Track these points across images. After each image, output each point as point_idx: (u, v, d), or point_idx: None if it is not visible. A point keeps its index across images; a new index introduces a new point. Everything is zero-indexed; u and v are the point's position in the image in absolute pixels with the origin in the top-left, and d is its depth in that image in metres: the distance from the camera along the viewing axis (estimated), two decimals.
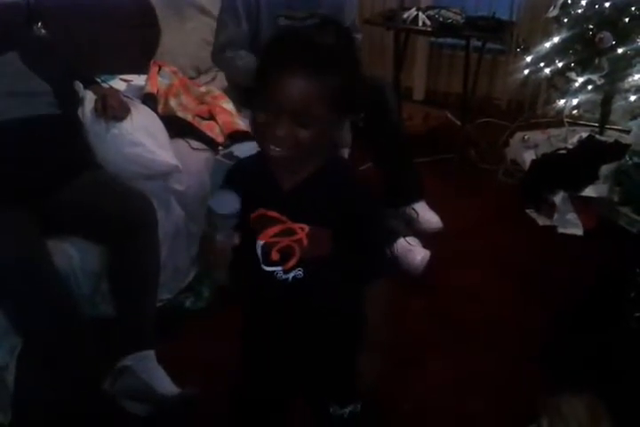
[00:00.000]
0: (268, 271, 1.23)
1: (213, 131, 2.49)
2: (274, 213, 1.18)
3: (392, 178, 2.78)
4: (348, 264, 1.23)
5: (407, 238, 2.58)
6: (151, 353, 1.88)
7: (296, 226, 1.17)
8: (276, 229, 1.19)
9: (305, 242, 1.18)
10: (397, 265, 2.44)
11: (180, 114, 2.47)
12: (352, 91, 1.12)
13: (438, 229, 2.80)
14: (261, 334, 1.34)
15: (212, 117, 2.58)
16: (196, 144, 2.40)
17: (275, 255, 1.20)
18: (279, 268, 1.21)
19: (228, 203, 1.20)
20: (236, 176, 1.29)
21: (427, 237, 2.68)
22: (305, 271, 1.21)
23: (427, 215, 2.82)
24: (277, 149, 1.11)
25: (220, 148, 2.43)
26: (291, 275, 1.22)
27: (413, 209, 2.83)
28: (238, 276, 1.31)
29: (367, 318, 1.28)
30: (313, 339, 1.30)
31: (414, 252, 2.53)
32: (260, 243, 1.21)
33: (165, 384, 1.83)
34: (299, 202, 1.19)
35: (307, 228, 1.17)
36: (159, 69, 2.60)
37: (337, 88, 1.08)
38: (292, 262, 1.20)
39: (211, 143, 2.44)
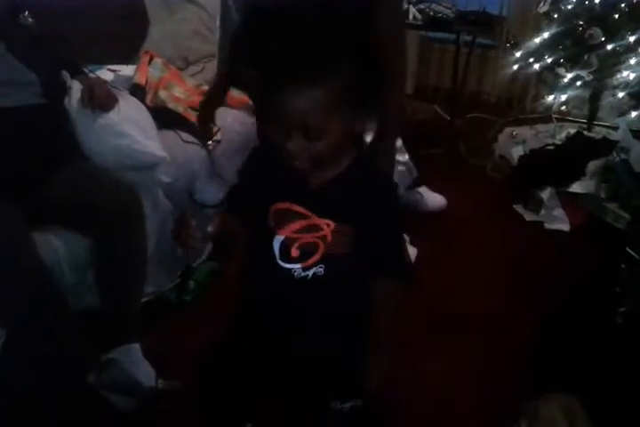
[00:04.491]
0: (285, 268, 1.20)
1: None
2: (300, 208, 1.17)
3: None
4: (365, 263, 1.23)
5: None
6: (137, 346, 1.87)
7: (322, 222, 1.16)
8: (298, 224, 1.17)
9: (329, 238, 1.17)
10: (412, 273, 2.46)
11: (171, 105, 2.45)
12: (360, 87, 1.09)
13: (443, 207, 3.01)
14: (264, 330, 1.30)
15: None
16: (186, 136, 2.38)
17: (295, 252, 1.19)
18: (298, 265, 1.19)
19: (213, 194, 1.19)
20: (254, 167, 1.27)
21: (421, 228, 2.69)
22: (326, 268, 1.20)
23: (431, 196, 3.02)
24: (296, 162, 1.10)
25: (210, 142, 2.41)
26: (311, 272, 1.20)
27: (418, 192, 2.96)
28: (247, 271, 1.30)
29: (376, 319, 1.27)
30: (320, 333, 1.27)
31: None
32: (280, 238, 1.19)
33: (151, 377, 1.83)
34: (326, 199, 1.17)
35: (332, 224, 1.16)
36: (150, 60, 2.58)
37: (342, 92, 1.06)
38: (314, 259, 1.18)
39: (201, 136, 2.42)
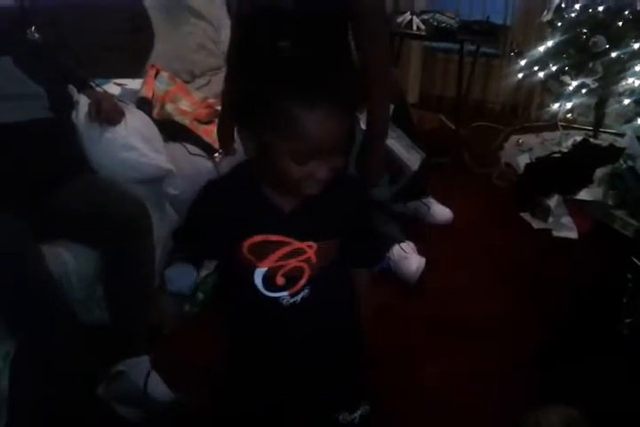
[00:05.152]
0: (272, 297, 1.16)
1: (211, 135, 2.49)
2: (278, 237, 1.12)
3: None
4: (344, 268, 1.22)
5: (402, 245, 2.57)
6: (146, 358, 1.87)
7: (303, 245, 1.13)
8: (280, 252, 1.13)
9: (314, 259, 1.14)
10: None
11: (178, 118, 2.47)
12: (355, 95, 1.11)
13: (450, 220, 2.95)
14: (259, 351, 1.27)
15: (211, 121, 2.58)
16: (193, 149, 2.40)
17: (280, 280, 1.14)
18: (285, 293, 1.16)
19: (185, 278, 1.17)
20: (213, 202, 1.18)
21: (429, 236, 2.69)
22: (312, 289, 1.17)
23: (438, 208, 2.98)
24: (314, 188, 1.06)
25: (217, 154, 2.42)
26: (299, 297, 1.16)
27: (424, 203, 2.94)
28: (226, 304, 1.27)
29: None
30: (319, 350, 1.23)
31: (410, 260, 2.52)
32: (262, 271, 1.14)
33: (160, 390, 1.83)
34: (303, 221, 1.13)
35: (315, 245, 1.13)
36: (156, 74, 2.60)
37: (350, 106, 1.06)
38: (301, 283, 1.15)
39: (208, 148, 2.43)
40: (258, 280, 1.15)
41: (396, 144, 2.54)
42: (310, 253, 1.13)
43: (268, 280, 1.15)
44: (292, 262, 1.13)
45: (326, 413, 1.32)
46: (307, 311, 1.18)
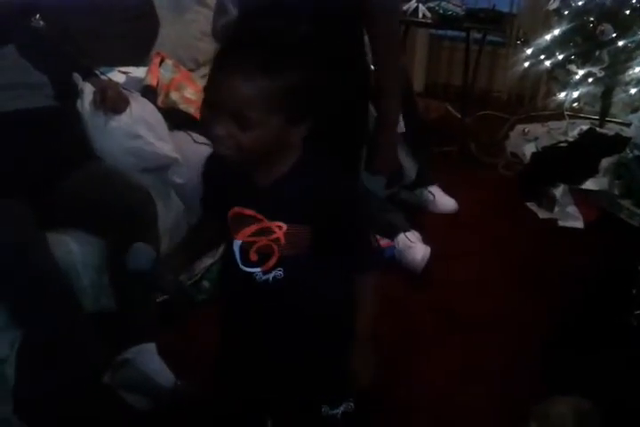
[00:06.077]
0: (247, 272, 1.19)
1: None
2: (250, 212, 1.15)
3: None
4: (329, 261, 1.20)
5: (407, 234, 2.57)
6: (152, 346, 1.87)
7: (273, 225, 1.14)
8: (253, 228, 1.15)
9: (283, 241, 1.14)
10: (382, 256, 2.45)
11: (183, 106, 2.46)
12: (307, 94, 1.05)
13: (454, 211, 2.96)
14: (242, 336, 1.30)
15: None
16: (198, 137, 2.39)
17: (253, 256, 1.17)
18: (258, 269, 1.18)
19: (141, 255, 1.20)
20: (211, 172, 1.25)
21: (435, 226, 2.69)
22: (285, 271, 1.17)
23: (443, 198, 2.98)
24: (221, 147, 1.07)
25: None
26: (271, 275, 1.18)
27: (430, 191, 2.93)
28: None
29: (357, 315, 1.25)
30: (297, 339, 1.25)
31: (415, 249, 2.52)
32: (238, 242, 1.18)
33: (166, 377, 1.83)
34: (275, 200, 1.14)
35: (284, 226, 1.14)
36: (161, 62, 2.59)
37: (285, 91, 1.02)
38: (271, 262, 1.16)
39: None
40: (236, 251, 1.19)
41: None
42: (279, 233, 1.14)
43: (244, 254, 1.18)
44: (263, 240, 1.15)
45: (309, 405, 1.33)
46: (278, 293, 1.19)
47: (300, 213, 1.14)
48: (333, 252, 1.19)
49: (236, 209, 1.16)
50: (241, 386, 1.35)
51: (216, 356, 1.39)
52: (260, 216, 1.14)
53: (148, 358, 1.84)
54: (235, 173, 1.15)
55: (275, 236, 1.14)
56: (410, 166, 2.79)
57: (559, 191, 2.96)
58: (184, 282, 1.28)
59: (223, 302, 1.33)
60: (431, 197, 2.96)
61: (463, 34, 3.60)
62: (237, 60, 1.01)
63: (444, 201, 2.98)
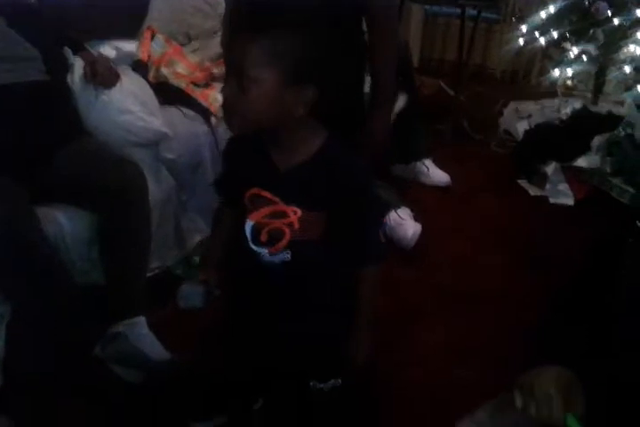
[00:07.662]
0: (255, 251, 1.22)
1: (207, 99, 2.47)
2: (267, 194, 1.18)
3: (404, 133, 2.79)
4: (338, 248, 1.22)
5: (399, 211, 2.58)
6: (142, 319, 1.89)
7: (288, 209, 1.17)
8: (267, 209, 1.18)
9: (296, 226, 1.17)
10: (388, 247, 2.46)
11: (174, 81, 2.45)
12: (305, 58, 1.09)
13: (448, 184, 3.00)
14: (245, 311, 1.34)
15: (207, 85, 2.56)
16: (189, 112, 2.38)
17: (264, 236, 1.20)
18: (265, 250, 1.21)
19: (195, 294, 1.22)
20: (233, 153, 1.29)
21: (426, 202, 2.69)
22: (293, 254, 1.20)
23: (436, 171, 3.02)
24: (228, 117, 1.14)
25: (213, 117, 2.41)
26: (276, 258, 1.21)
27: (424, 164, 2.98)
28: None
29: (359, 301, 1.28)
30: (297, 316, 1.29)
31: (406, 226, 2.53)
32: (251, 222, 1.21)
33: (157, 350, 1.85)
34: (293, 184, 1.17)
35: (299, 211, 1.16)
36: (152, 36, 2.57)
37: (283, 50, 1.07)
38: (280, 245, 1.19)
39: (204, 112, 2.42)
40: (247, 231, 1.22)
41: None
42: (294, 218, 1.17)
43: (255, 234, 1.21)
44: (277, 223, 1.18)
45: (300, 377, 1.40)
46: (283, 274, 1.23)
47: (318, 199, 1.17)
48: (346, 239, 1.21)
49: (255, 190, 1.19)
50: (246, 353, 1.41)
51: (219, 326, 1.46)
52: (276, 199, 1.17)
53: (139, 332, 1.85)
54: (256, 156, 1.19)
55: (289, 220, 1.17)
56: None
57: (551, 168, 2.97)
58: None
59: (230, 276, 1.36)
60: (425, 169, 2.99)
61: (458, 10, 3.57)
62: (250, 27, 1.09)
63: (437, 174, 3.01)
